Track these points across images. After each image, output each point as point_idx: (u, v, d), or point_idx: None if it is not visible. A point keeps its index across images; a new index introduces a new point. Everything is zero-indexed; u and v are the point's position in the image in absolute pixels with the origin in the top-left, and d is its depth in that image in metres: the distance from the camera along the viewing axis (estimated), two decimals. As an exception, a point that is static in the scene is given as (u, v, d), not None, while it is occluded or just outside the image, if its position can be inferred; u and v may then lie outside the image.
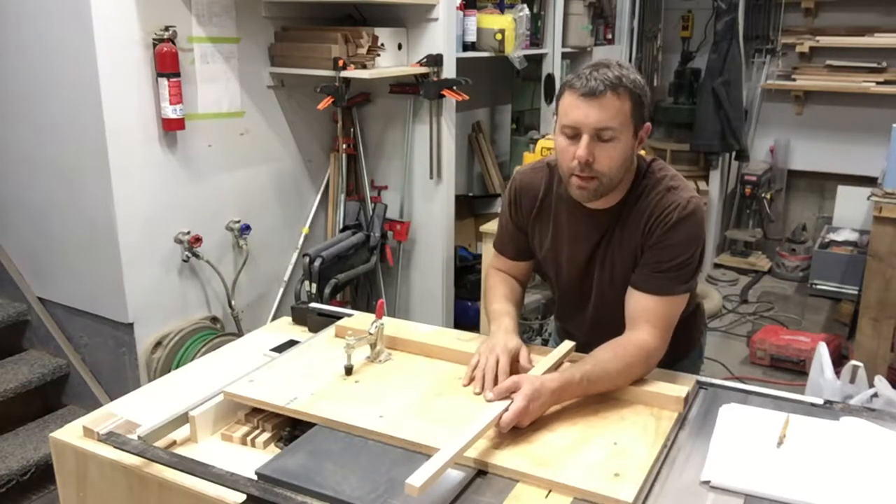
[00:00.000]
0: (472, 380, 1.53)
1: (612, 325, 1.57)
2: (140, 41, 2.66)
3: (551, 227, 1.67)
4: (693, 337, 1.85)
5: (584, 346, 1.61)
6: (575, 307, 1.75)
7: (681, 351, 1.70)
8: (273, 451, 1.42)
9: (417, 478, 1.14)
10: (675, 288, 1.55)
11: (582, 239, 1.63)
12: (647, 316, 1.54)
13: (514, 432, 1.37)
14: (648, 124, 1.55)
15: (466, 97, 3.31)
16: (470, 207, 4.33)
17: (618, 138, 1.47)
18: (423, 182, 3.43)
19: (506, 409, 1.35)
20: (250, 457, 1.38)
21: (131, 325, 2.83)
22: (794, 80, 5.21)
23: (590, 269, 1.66)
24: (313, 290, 3.03)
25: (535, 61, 4.13)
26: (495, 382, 1.46)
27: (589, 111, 1.44)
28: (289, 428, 1.47)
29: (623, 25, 4.95)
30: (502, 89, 4.50)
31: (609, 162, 1.48)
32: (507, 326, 1.63)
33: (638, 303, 1.56)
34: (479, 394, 1.48)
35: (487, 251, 3.11)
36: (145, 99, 2.71)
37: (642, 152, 1.61)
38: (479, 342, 1.70)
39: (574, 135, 1.48)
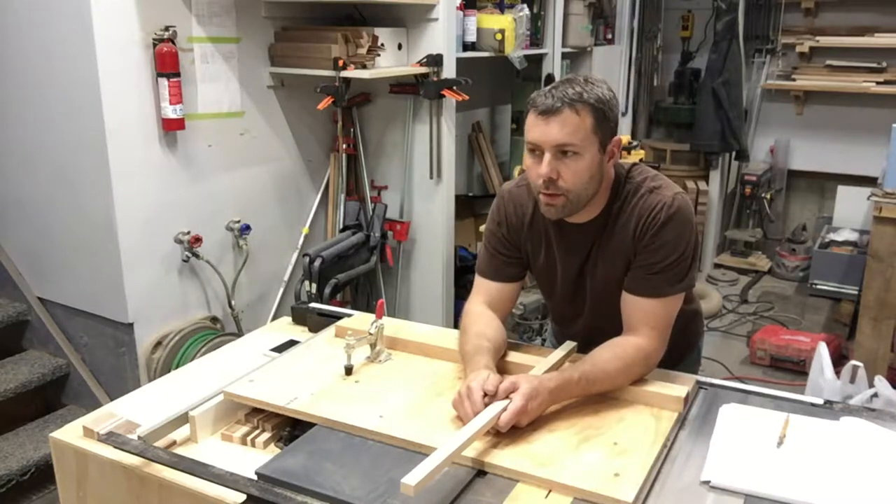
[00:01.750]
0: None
1: (609, 330, 1.57)
2: (140, 41, 2.66)
3: (543, 243, 1.67)
4: (691, 341, 1.86)
5: (582, 351, 1.61)
6: (570, 315, 1.75)
7: (678, 355, 1.70)
8: (273, 451, 1.42)
9: (413, 477, 1.14)
10: (669, 289, 1.54)
11: (572, 252, 1.63)
12: (644, 319, 1.54)
13: (514, 432, 1.37)
14: (619, 138, 1.54)
15: (466, 97, 3.31)
16: (470, 207, 4.33)
17: (580, 154, 1.46)
18: (423, 182, 3.43)
19: (504, 409, 1.35)
20: (250, 457, 1.38)
21: (131, 325, 2.83)
22: (794, 80, 5.21)
23: (582, 280, 1.66)
24: (313, 290, 3.03)
25: (535, 61, 4.13)
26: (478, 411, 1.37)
27: (548, 129, 1.45)
28: (289, 428, 1.47)
29: (623, 25, 4.94)
30: (502, 89, 4.50)
31: (573, 177, 1.47)
32: (478, 365, 1.48)
33: (634, 307, 1.55)
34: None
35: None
36: (145, 99, 2.71)
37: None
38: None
39: (538, 153, 1.48)
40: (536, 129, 1.47)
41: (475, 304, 1.70)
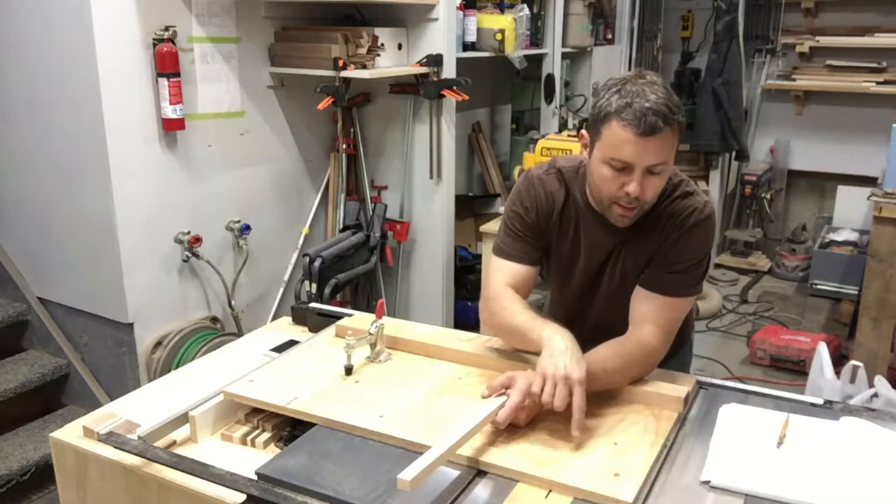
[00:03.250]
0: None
1: (615, 328, 1.57)
2: (140, 41, 2.66)
3: (570, 233, 1.65)
4: (684, 333, 1.85)
5: (581, 349, 1.60)
6: (578, 309, 1.74)
7: (673, 348, 1.70)
8: (273, 451, 1.42)
9: (409, 472, 1.14)
10: (684, 290, 1.55)
11: (598, 247, 1.63)
12: (653, 316, 1.54)
13: (514, 432, 1.37)
14: None
15: (466, 97, 3.31)
16: (470, 207, 4.33)
17: (666, 170, 1.46)
18: (423, 182, 3.43)
19: (502, 406, 1.35)
20: (250, 457, 1.38)
21: (131, 325, 2.83)
22: (794, 80, 5.21)
23: (599, 276, 1.66)
24: (313, 290, 3.03)
25: (535, 61, 4.13)
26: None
27: (646, 151, 1.40)
28: (289, 428, 1.47)
29: (623, 25, 4.95)
30: (502, 89, 4.50)
31: (655, 191, 1.47)
32: (565, 334, 1.46)
33: (645, 302, 1.56)
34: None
35: (487, 251, 3.10)
36: (145, 99, 2.71)
37: None
38: (479, 342, 1.70)
39: (623, 168, 1.44)
40: (631, 147, 1.40)
41: (500, 285, 1.63)
